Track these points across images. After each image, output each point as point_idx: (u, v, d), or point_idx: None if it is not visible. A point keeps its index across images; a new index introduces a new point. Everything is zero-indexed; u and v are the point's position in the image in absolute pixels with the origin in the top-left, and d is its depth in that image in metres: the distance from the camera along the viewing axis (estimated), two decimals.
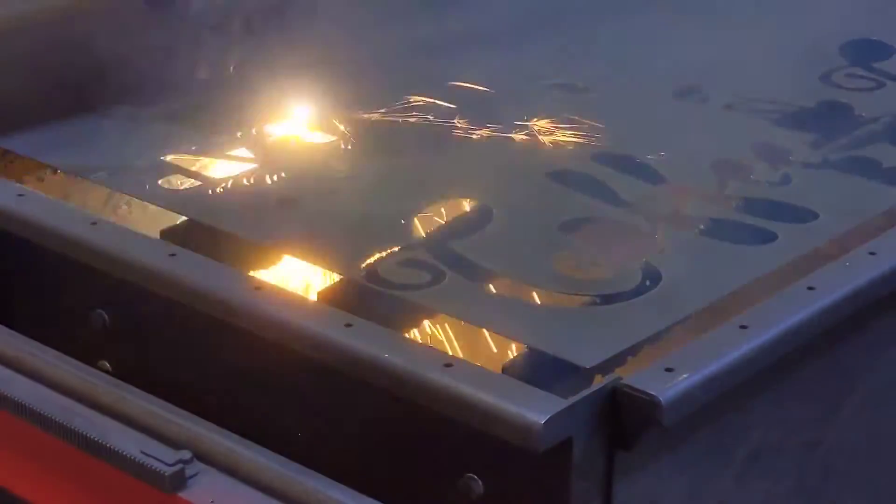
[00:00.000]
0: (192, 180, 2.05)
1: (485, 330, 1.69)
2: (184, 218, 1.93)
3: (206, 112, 2.20)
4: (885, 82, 2.38)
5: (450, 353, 1.61)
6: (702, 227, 1.92)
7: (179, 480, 1.62)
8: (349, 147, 2.14)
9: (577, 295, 1.75)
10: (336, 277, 1.81)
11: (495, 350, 1.75)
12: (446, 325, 1.87)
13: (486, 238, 1.87)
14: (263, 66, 2.23)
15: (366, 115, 2.21)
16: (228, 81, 2.26)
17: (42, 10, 2.19)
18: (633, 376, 1.52)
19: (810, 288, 1.70)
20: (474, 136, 2.18)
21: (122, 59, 2.10)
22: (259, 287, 1.71)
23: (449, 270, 1.77)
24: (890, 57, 2.47)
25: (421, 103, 2.25)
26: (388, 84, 2.28)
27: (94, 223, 1.85)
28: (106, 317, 1.85)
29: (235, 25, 2.18)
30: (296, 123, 2.23)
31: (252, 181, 2.02)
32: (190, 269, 1.75)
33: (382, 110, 2.22)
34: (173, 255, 1.78)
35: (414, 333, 1.80)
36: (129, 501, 1.66)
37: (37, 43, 2.15)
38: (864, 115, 2.26)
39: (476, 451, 1.54)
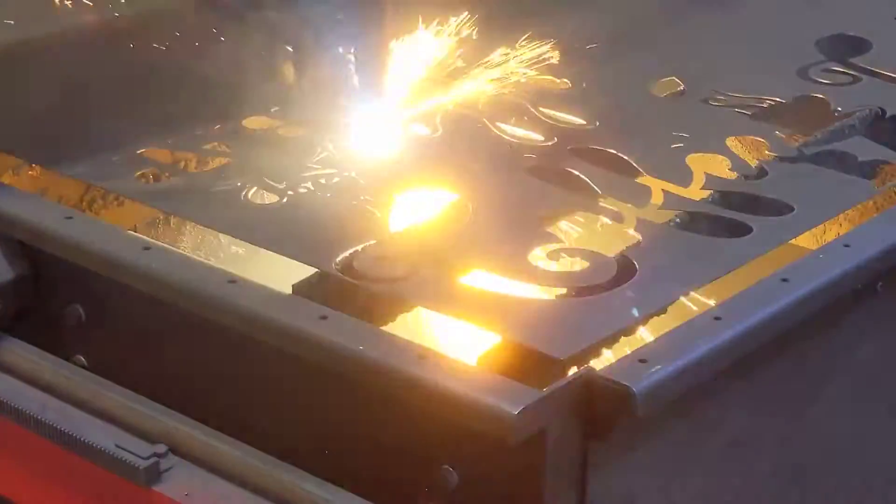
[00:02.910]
0: (168, 174, 2.05)
1: (460, 322, 1.69)
2: (159, 212, 1.92)
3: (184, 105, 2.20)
4: (862, 77, 2.39)
5: (424, 345, 1.60)
6: (677, 220, 1.92)
7: (154, 474, 1.62)
8: (327, 141, 2.14)
9: (552, 287, 1.75)
10: (311, 270, 1.81)
11: (470, 342, 1.75)
12: (421, 317, 1.88)
13: (463, 231, 1.88)
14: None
15: (341, 109, 2.21)
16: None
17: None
18: (607, 367, 1.52)
19: (784, 280, 1.70)
20: (452, 131, 2.19)
21: None
22: (234, 280, 1.70)
23: (424, 263, 1.77)
24: (866, 52, 2.48)
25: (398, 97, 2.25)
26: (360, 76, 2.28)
27: (68, 217, 1.85)
28: (81, 311, 1.84)
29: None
30: (273, 118, 2.23)
31: (228, 175, 2.02)
32: (165, 263, 1.74)
33: (359, 104, 2.22)
34: (148, 248, 1.77)
35: (389, 326, 1.80)
36: (104, 495, 1.66)
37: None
38: (840, 109, 2.26)
39: (450, 443, 1.54)
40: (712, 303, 1.68)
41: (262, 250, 1.90)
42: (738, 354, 1.62)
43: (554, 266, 1.80)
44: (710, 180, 2.03)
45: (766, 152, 2.12)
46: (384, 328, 1.75)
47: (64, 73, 2.16)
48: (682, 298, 1.72)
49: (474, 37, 2.44)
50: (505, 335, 1.65)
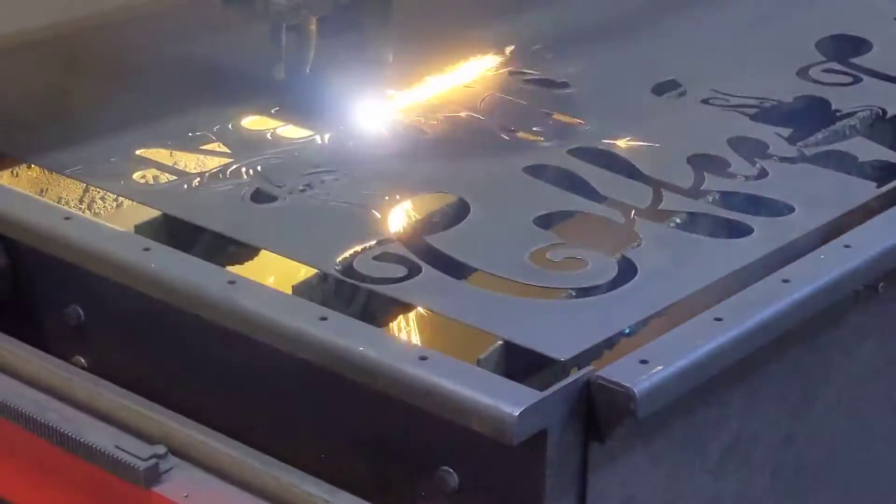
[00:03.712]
0: (168, 175, 2.04)
1: (460, 323, 1.69)
2: (158, 212, 1.92)
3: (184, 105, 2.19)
4: (862, 77, 2.38)
5: (424, 346, 1.60)
6: (678, 220, 1.92)
7: (154, 475, 1.62)
8: (326, 141, 2.14)
9: (552, 288, 1.75)
10: (311, 271, 1.81)
11: (470, 343, 1.74)
12: (422, 318, 1.87)
13: (463, 232, 1.87)
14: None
15: (344, 110, 2.20)
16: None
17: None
18: (608, 368, 1.52)
19: (785, 280, 1.70)
20: (452, 131, 2.18)
21: None
22: (234, 281, 1.70)
23: (425, 264, 1.77)
24: (867, 52, 2.48)
25: (398, 98, 2.25)
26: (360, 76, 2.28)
27: (67, 218, 1.84)
28: (81, 312, 1.84)
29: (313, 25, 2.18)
30: (273, 118, 2.23)
31: (228, 175, 2.02)
32: (164, 264, 1.74)
33: (359, 105, 2.22)
34: (147, 249, 1.77)
35: (389, 327, 1.80)
36: (104, 496, 1.66)
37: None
38: (840, 109, 2.26)
39: (451, 444, 1.54)
40: (713, 304, 1.67)
41: (263, 251, 1.90)
42: (738, 355, 1.62)
43: (554, 267, 1.80)
44: (711, 181, 2.03)
45: (767, 153, 2.12)
46: (384, 329, 1.75)
47: (62, 72, 2.16)
48: (683, 299, 1.71)
49: (474, 36, 2.44)
50: (505, 336, 1.65)
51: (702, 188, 2.00)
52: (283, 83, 2.19)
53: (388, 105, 2.24)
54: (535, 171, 2.05)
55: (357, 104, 2.21)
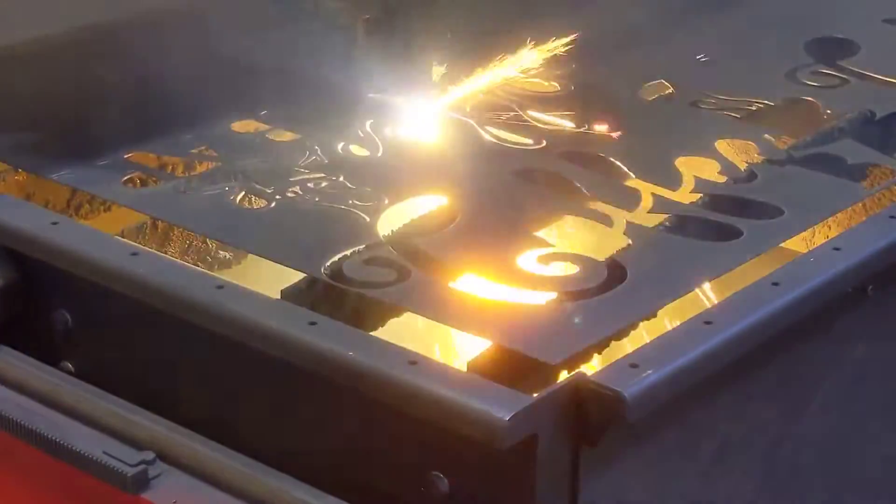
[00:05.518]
0: (155, 179, 2.04)
1: (450, 327, 1.69)
2: (146, 217, 1.91)
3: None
4: (850, 80, 2.39)
5: (414, 350, 1.60)
6: (667, 223, 1.92)
7: (142, 481, 1.61)
8: (314, 145, 2.13)
9: (542, 292, 1.75)
10: (300, 276, 1.80)
11: (460, 347, 1.75)
12: (411, 322, 1.87)
13: (452, 235, 1.87)
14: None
15: (330, 112, 2.20)
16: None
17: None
18: (598, 372, 1.51)
19: (775, 283, 1.70)
20: (441, 134, 2.18)
21: None
22: (222, 286, 1.69)
23: (414, 268, 1.76)
24: (855, 55, 2.48)
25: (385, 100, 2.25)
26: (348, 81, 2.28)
27: (55, 222, 1.84)
28: (68, 317, 1.83)
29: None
30: (261, 121, 2.22)
31: (216, 179, 2.01)
32: (152, 269, 1.73)
33: (346, 105, 2.21)
34: (135, 254, 1.76)
35: (378, 331, 1.79)
36: (92, 503, 1.65)
37: None
38: (829, 112, 2.26)
39: (441, 449, 1.53)
40: (703, 307, 1.67)
41: (250, 255, 1.89)
42: (729, 359, 1.61)
43: (544, 270, 1.79)
44: (700, 183, 2.03)
45: (756, 155, 2.12)
46: (373, 334, 1.74)
47: (49, 76, 2.15)
48: (673, 303, 1.71)
49: (462, 39, 2.44)
50: (495, 340, 1.64)
51: (691, 191, 2.00)
52: (278, 85, 2.19)
53: (377, 108, 2.23)
54: (525, 173, 2.05)
55: (347, 106, 2.20)
